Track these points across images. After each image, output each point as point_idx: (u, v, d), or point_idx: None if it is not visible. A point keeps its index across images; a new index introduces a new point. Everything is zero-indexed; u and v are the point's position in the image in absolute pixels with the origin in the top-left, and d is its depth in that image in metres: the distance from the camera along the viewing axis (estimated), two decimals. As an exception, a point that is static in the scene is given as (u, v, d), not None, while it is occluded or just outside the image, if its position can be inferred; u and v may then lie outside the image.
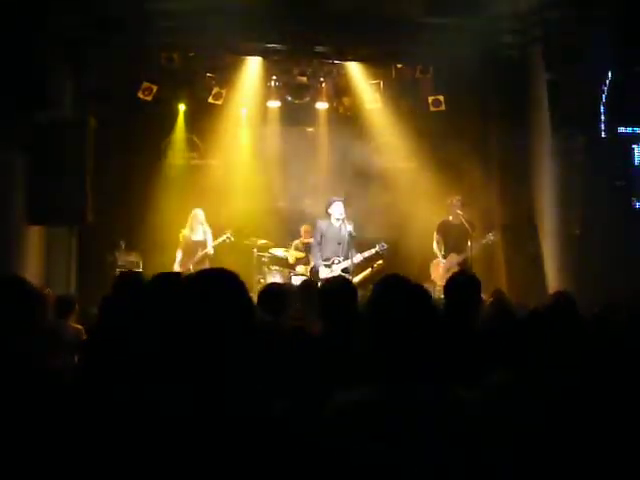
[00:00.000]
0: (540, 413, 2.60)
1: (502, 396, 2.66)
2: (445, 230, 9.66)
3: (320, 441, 2.03)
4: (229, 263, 9.89)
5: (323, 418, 2.12)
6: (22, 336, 2.71)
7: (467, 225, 9.47)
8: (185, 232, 9.86)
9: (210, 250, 9.77)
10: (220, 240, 9.78)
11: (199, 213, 9.83)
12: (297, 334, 3.74)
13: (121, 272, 4.98)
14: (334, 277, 7.19)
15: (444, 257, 9.61)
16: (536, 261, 9.63)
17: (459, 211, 9.48)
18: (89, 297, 7.64)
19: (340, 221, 8.79)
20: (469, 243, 9.43)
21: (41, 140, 8.14)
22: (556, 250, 9.63)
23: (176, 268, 9.59)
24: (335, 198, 9.00)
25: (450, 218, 9.64)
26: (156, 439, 1.83)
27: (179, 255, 9.84)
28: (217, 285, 2.02)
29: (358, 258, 8.77)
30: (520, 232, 9.89)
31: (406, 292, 2.31)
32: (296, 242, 10.18)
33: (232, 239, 9.81)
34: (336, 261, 8.82)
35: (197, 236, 9.84)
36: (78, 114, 8.62)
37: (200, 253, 9.76)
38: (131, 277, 3.99)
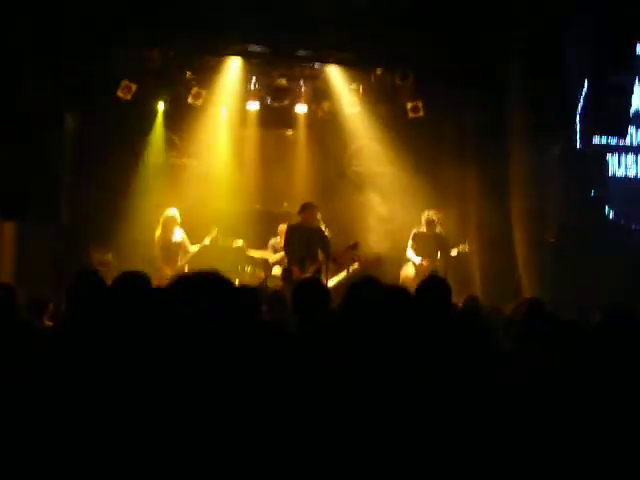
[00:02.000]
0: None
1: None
2: (419, 240, 9.79)
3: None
4: (205, 264, 9.88)
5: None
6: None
7: (440, 237, 9.64)
8: (161, 233, 9.76)
9: (194, 248, 9.78)
10: (206, 241, 9.78)
11: (176, 214, 9.74)
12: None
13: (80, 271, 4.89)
14: (306, 278, 7.22)
15: (416, 262, 9.73)
16: (510, 269, 9.71)
17: (435, 223, 9.65)
18: (62, 296, 7.57)
19: (310, 225, 8.86)
20: (439, 253, 9.57)
21: (15, 135, 8.07)
22: (531, 258, 9.72)
23: (163, 268, 9.52)
24: (308, 203, 9.06)
25: (424, 230, 9.76)
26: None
27: (159, 254, 9.68)
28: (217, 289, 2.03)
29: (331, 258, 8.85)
30: (495, 239, 9.96)
31: (381, 292, 2.34)
32: (273, 241, 10.17)
33: (214, 238, 9.85)
34: (308, 262, 8.86)
35: (175, 237, 9.76)
36: (55, 111, 8.53)
37: (188, 254, 9.74)
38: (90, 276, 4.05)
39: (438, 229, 9.75)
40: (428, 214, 9.76)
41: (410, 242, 9.81)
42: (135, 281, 3.61)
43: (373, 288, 3.42)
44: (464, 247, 9.54)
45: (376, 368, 2.18)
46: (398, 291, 2.33)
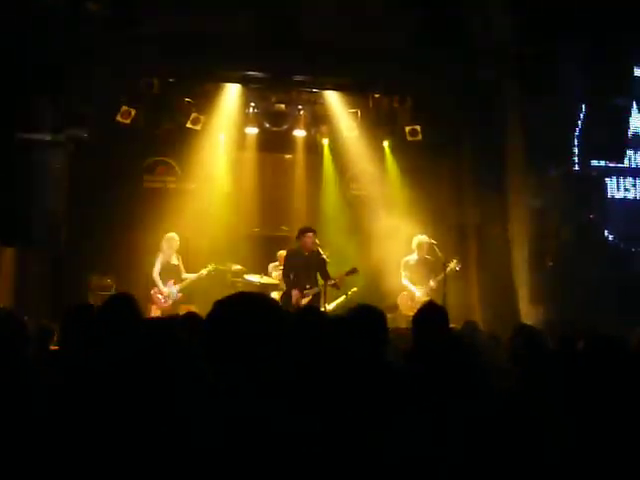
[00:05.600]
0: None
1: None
2: (410, 267, 9.77)
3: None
4: (203, 288, 9.90)
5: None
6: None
7: (428, 262, 9.63)
8: (162, 253, 9.84)
9: (190, 276, 9.85)
10: (203, 273, 9.78)
11: (176, 238, 9.82)
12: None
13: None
14: (306, 306, 7.24)
15: (412, 289, 9.71)
16: (509, 292, 9.69)
17: (423, 248, 9.61)
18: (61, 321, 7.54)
19: (309, 249, 8.87)
20: (436, 276, 9.51)
21: (14, 162, 8.11)
22: (530, 281, 9.72)
23: (161, 287, 9.71)
24: (306, 228, 9.08)
25: (415, 256, 9.74)
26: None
27: (157, 274, 9.78)
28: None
29: (331, 283, 8.85)
30: (494, 262, 9.96)
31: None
32: (273, 265, 10.18)
33: (213, 273, 9.82)
34: (308, 287, 8.88)
35: (173, 260, 9.87)
36: (54, 137, 8.59)
37: (183, 280, 9.83)
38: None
39: (426, 254, 9.71)
40: (417, 240, 9.74)
41: (402, 271, 9.80)
42: (123, 303, 3.67)
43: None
44: (454, 265, 9.47)
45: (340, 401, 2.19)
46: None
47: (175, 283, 9.81)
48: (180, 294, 9.81)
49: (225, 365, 1.93)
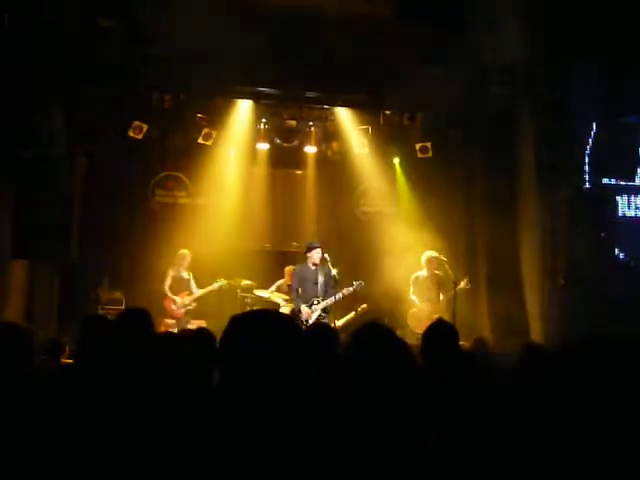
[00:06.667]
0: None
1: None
2: (419, 283, 9.78)
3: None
4: (213, 303, 9.92)
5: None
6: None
7: (439, 278, 9.66)
8: (174, 269, 9.96)
9: (200, 291, 9.99)
10: (214, 287, 9.85)
11: (187, 255, 9.90)
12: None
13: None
14: (316, 322, 7.23)
15: (420, 305, 9.70)
16: (519, 310, 9.65)
17: (433, 264, 9.61)
18: (71, 335, 7.58)
19: (317, 265, 8.88)
20: (445, 292, 9.51)
21: (28, 175, 8.18)
22: (541, 299, 9.66)
23: (171, 298, 9.87)
24: (313, 243, 9.09)
25: (424, 272, 9.74)
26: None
27: (168, 288, 9.95)
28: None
29: (338, 296, 8.84)
30: (505, 280, 9.92)
31: (383, 345, 2.35)
32: (279, 282, 10.17)
33: (223, 287, 9.89)
34: (315, 302, 8.86)
35: (184, 275, 9.95)
36: (66, 151, 8.65)
37: (192, 294, 9.95)
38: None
39: (436, 270, 9.71)
40: (427, 256, 9.74)
41: (411, 287, 9.81)
42: (136, 316, 3.68)
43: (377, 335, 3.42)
44: (464, 284, 9.45)
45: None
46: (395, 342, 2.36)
47: (186, 296, 9.92)
48: (194, 303, 9.90)
49: (239, 378, 1.95)
